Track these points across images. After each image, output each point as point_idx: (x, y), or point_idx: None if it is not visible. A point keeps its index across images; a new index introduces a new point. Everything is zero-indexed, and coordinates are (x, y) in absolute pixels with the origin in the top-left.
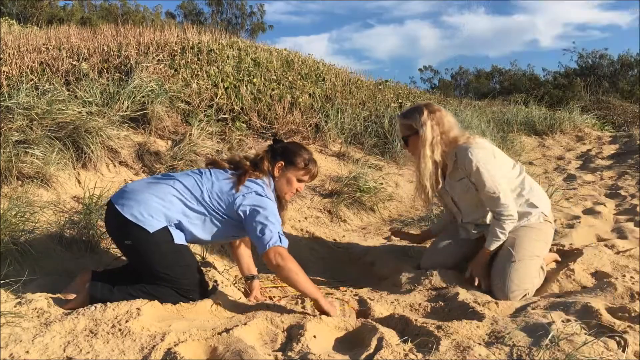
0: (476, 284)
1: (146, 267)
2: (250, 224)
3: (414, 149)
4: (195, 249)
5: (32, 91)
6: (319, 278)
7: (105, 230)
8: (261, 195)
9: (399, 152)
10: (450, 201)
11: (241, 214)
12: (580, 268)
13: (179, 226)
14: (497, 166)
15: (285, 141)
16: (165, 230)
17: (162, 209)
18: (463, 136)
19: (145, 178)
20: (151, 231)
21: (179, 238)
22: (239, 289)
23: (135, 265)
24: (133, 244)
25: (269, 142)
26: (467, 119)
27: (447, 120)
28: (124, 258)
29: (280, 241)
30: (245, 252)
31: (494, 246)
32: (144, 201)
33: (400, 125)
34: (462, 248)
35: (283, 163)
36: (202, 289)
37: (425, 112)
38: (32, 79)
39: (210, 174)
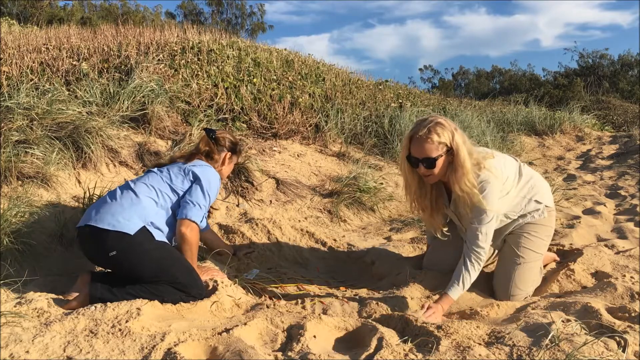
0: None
1: (137, 273)
2: (193, 190)
3: (442, 170)
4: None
5: (32, 91)
6: (319, 278)
7: None
8: (207, 166)
9: (399, 152)
10: (453, 215)
11: (191, 175)
12: (580, 268)
13: (155, 225)
14: (500, 202)
15: (216, 132)
16: (144, 230)
17: (136, 210)
18: (478, 156)
19: (104, 196)
20: (132, 233)
21: (158, 235)
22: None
23: (128, 276)
24: (117, 253)
25: (270, 142)
26: (467, 119)
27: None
28: None
29: (201, 222)
30: (212, 234)
31: (456, 294)
32: (117, 210)
33: (431, 143)
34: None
35: (230, 153)
36: (199, 283)
37: (453, 128)
38: (32, 79)
39: (157, 168)
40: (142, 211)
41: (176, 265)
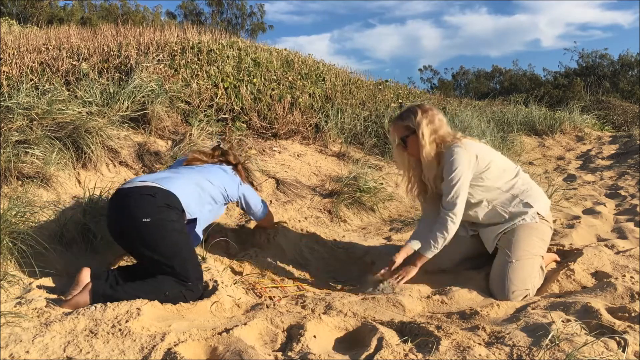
0: (394, 281)
1: (154, 246)
2: (252, 199)
3: (413, 149)
4: (196, 249)
5: (32, 91)
6: (319, 278)
7: (106, 229)
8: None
9: None
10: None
11: (241, 195)
12: (580, 268)
13: (189, 211)
14: (470, 169)
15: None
16: (182, 213)
17: (183, 190)
18: (451, 135)
19: (148, 174)
20: (178, 196)
21: (187, 220)
22: (240, 289)
23: (142, 246)
24: (150, 221)
25: (270, 142)
26: (467, 119)
27: (438, 118)
28: (123, 258)
29: (265, 209)
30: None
31: (429, 253)
32: (178, 184)
33: (397, 127)
34: (460, 247)
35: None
36: (200, 276)
37: (419, 112)
38: (32, 79)
39: (207, 168)
40: (186, 193)
41: (189, 256)
